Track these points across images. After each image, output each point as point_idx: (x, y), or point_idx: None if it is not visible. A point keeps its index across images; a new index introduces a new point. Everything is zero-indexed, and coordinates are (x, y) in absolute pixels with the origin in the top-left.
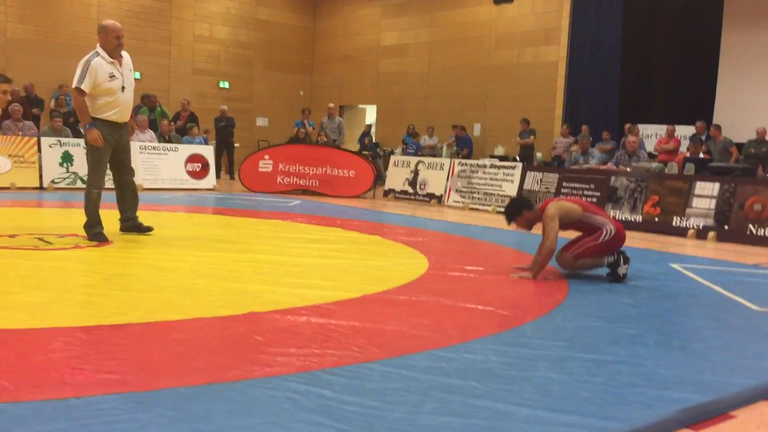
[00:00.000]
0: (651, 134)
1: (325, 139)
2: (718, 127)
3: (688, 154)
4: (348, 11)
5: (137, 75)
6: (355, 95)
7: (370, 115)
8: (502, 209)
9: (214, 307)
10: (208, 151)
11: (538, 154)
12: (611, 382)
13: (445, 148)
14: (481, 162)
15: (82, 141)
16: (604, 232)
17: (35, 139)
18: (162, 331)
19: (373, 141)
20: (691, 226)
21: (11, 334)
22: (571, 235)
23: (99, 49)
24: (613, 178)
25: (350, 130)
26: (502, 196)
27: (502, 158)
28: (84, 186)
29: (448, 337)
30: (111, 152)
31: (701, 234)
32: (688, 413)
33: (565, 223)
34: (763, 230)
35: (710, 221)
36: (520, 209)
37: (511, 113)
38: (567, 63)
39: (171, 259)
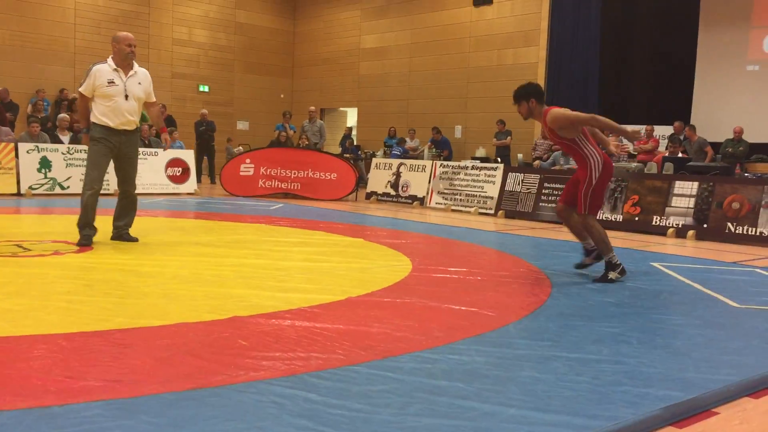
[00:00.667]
0: None
1: (307, 143)
2: (693, 128)
3: (667, 154)
4: (328, 14)
5: None
6: (335, 98)
7: (351, 117)
8: (485, 210)
9: (197, 312)
10: (188, 156)
11: (519, 156)
12: (595, 381)
13: (426, 150)
14: (462, 164)
15: (60, 147)
16: (592, 164)
17: (12, 144)
18: (145, 337)
19: (355, 143)
20: (670, 225)
21: None
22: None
23: (108, 58)
24: None
25: (331, 132)
26: (484, 197)
27: (483, 160)
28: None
29: (433, 338)
30: (111, 158)
31: (681, 233)
32: (671, 410)
33: (565, 130)
34: (741, 228)
35: (689, 220)
36: (530, 94)
37: (492, 115)
38: (546, 64)
39: (153, 264)
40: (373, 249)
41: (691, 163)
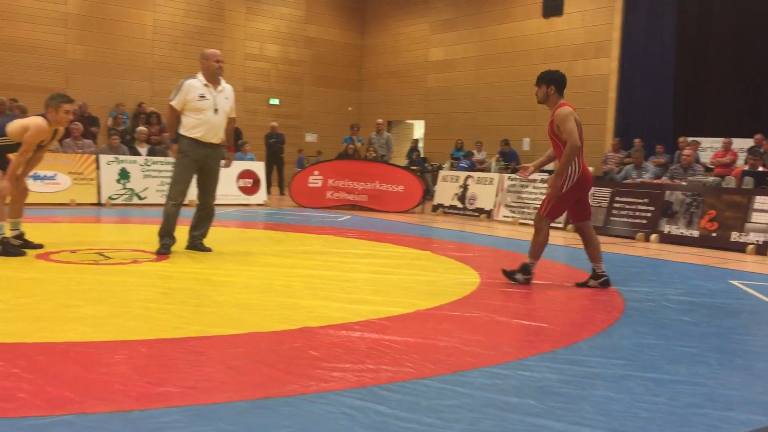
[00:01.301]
0: (706, 147)
1: (374, 155)
2: None
3: (746, 167)
4: (396, 27)
5: None
6: (402, 110)
7: (418, 130)
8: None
9: (268, 321)
10: (258, 167)
11: (590, 169)
12: (673, 403)
13: (494, 163)
14: (531, 176)
15: (138, 158)
16: (567, 173)
17: (94, 156)
18: (219, 345)
19: (421, 156)
20: (750, 242)
21: (76, 347)
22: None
23: (198, 74)
24: (667, 193)
25: (398, 145)
26: None
27: (551, 173)
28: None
29: (502, 353)
30: (196, 170)
31: (761, 249)
32: None
33: (561, 132)
34: None
35: None
36: (552, 81)
37: None
38: (618, 76)
39: (226, 274)
40: (441, 262)
41: None
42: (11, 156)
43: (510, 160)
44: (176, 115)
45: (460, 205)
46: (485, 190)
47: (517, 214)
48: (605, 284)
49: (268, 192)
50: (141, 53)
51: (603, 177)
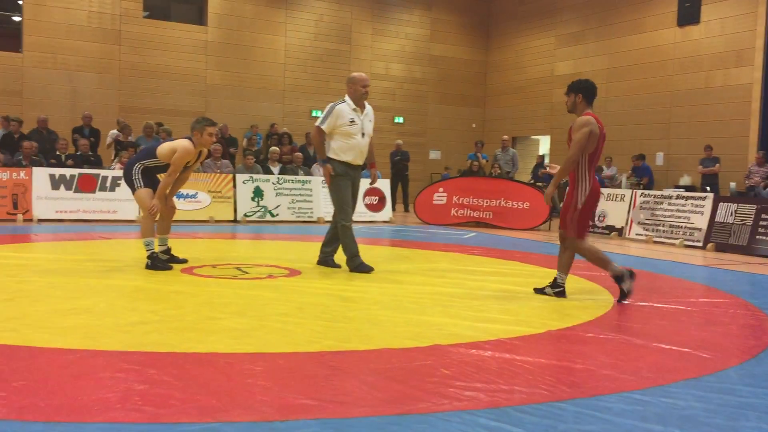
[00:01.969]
0: None
1: (499, 171)
2: None
3: None
4: (521, 42)
5: (319, 113)
6: (527, 126)
7: (544, 145)
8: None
9: (399, 338)
10: (384, 185)
11: (732, 184)
12: None
13: (624, 179)
14: (666, 192)
15: (271, 177)
16: (579, 188)
17: (231, 175)
18: (352, 360)
19: (547, 172)
20: None
21: (220, 358)
22: None
23: (346, 98)
24: None
25: (523, 161)
26: (690, 228)
27: (688, 188)
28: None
29: (642, 378)
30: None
31: None
32: None
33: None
34: None
35: None
36: (579, 90)
37: (698, 141)
38: (762, 85)
39: (355, 290)
40: (571, 281)
41: None
42: (160, 176)
43: (642, 176)
44: (323, 138)
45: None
46: (616, 207)
47: (651, 232)
48: (560, 294)
49: (393, 209)
50: (273, 76)
51: (747, 193)
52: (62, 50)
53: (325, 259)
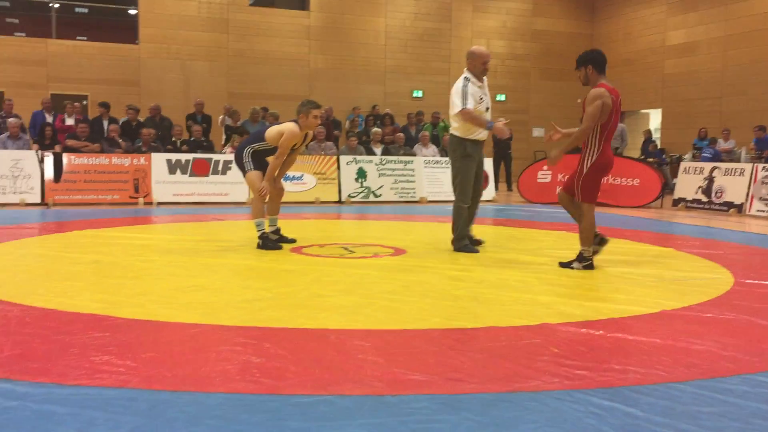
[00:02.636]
0: None
1: None
2: None
3: None
4: (629, 13)
5: (419, 93)
6: (637, 100)
7: (654, 119)
8: None
9: (507, 316)
10: (487, 164)
11: None
12: None
13: (743, 153)
14: None
15: (373, 158)
16: (587, 155)
17: (335, 157)
18: (461, 337)
19: (658, 147)
20: None
21: (331, 333)
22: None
23: (467, 74)
24: None
25: (632, 136)
26: None
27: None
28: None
29: (767, 360)
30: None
31: None
32: None
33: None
34: None
35: None
36: (587, 61)
37: None
38: None
39: (460, 268)
40: (686, 259)
41: None
42: (269, 159)
43: (764, 148)
44: (473, 114)
45: (704, 199)
46: (734, 182)
47: None
48: (589, 267)
49: (496, 188)
50: (374, 58)
51: None
52: (175, 40)
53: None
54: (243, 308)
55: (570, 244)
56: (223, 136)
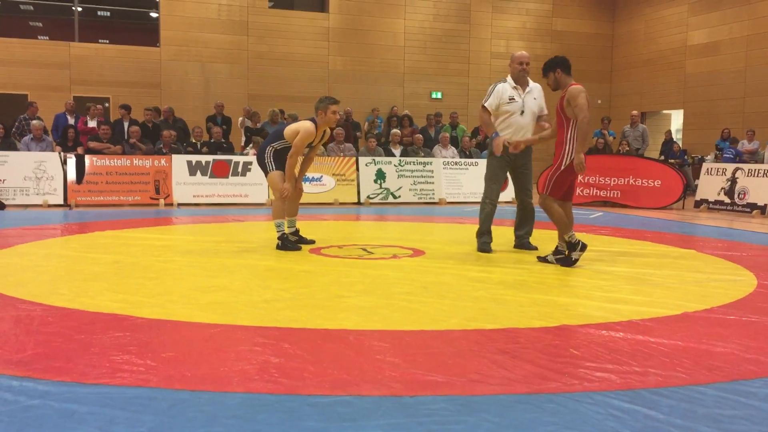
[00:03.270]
0: None
1: (627, 149)
2: None
3: None
4: (650, 13)
5: (438, 95)
6: (657, 100)
7: (675, 120)
8: None
9: (525, 318)
10: None
11: None
12: None
13: (767, 153)
14: None
15: (392, 159)
16: (566, 151)
17: (354, 159)
18: (478, 339)
19: (680, 147)
20: None
21: (349, 334)
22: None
23: (508, 77)
24: None
25: (653, 137)
26: None
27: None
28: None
29: None
30: (508, 170)
31: None
32: None
33: (569, 109)
34: None
35: None
36: (556, 65)
37: None
38: None
39: (479, 270)
40: (708, 261)
41: None
42: None
43: None
44: (489, 117)
45: (727, 201)
46: (758, 183)
47: None
48: (563, 262)
49: None
50: (393, 60)
51: None
52: (195, 43)
53: (521, 243)
54: (262, 308)
55: (591, 245)
56: (243, 138)
